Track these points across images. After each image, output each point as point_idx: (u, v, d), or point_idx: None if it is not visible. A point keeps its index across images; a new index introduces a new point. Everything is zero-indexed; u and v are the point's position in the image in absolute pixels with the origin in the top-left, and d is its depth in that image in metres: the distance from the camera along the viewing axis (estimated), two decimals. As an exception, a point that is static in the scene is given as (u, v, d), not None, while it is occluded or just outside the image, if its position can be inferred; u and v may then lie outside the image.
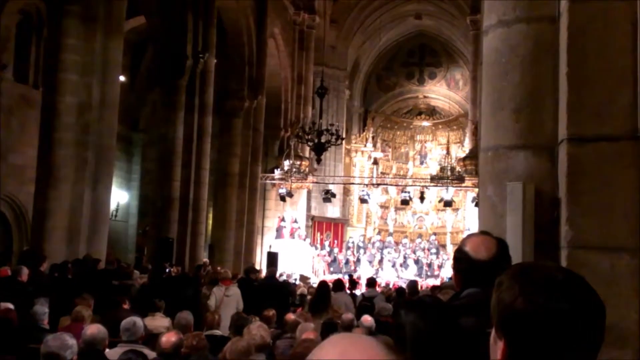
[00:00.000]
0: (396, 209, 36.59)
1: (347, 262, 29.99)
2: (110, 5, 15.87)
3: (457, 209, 35.06)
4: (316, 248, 30.33)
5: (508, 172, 4.12)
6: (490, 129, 4.35)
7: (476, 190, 24.48)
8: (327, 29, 31.88)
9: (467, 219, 33.86)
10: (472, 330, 2.14)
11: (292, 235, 28.69)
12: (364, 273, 26.82)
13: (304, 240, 29.09)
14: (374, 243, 31.87)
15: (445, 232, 35.62)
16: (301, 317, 7.91)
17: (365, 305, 10.40)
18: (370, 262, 29.77)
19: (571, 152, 3.60)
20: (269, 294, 12.05)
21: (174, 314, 7.84)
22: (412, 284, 12.93)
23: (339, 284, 11.52)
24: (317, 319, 8.14)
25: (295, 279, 22.60)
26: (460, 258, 2.49)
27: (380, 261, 29.89)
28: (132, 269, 14.35)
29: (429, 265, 29.93)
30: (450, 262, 27.58)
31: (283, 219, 28.77)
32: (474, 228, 21.75)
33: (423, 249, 31.35)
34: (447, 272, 27.02)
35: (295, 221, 29.40)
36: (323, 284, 10.28)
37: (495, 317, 1.46)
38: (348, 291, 13.80)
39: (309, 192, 31.87)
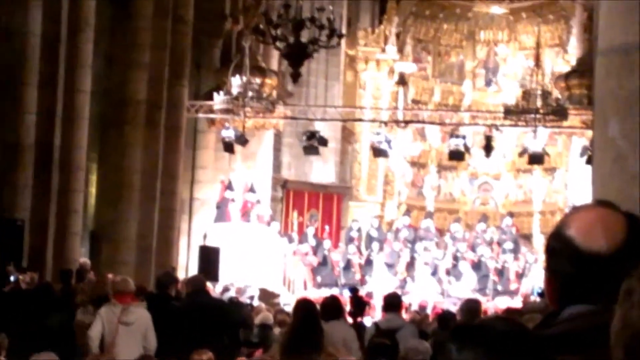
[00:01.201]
0: (440, 168, 36.67)
1: (347, 265, 30.12)
2: None
3: (553, 169, 35.19)
4: (291, 240, 30.41)
5: (649, 95, 4.13)
6: (616, 17, 4.36)
7: (589, 133, 24.56)
8: None
9: (571, 187, 34.01)
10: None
11: (245, 215, 28.77)
12: (379, 286, 27.01)
13: (268, 225, 29.20)
14: (397, 232, 32.02)
15: (530, 211, 35.80)
16: (263, 364, 7.97)
17: (380, 343, 10.50)
18: (390, 266, 29.93)
19: None
20: (203, 322, 12.16)
21: (27, 358, 7.92)
22: (470, 306, 13.01)
23: (333, 306, 11.61)
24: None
25: (252, 297, 22.74)
26: (560, 250, 2.49)
27: (410, 264, 30.08)
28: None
29: (500, 272, 30.12)
30: (540, 264, 27.98)
31: (229, 186, 28.80)
32: (585, 200, 21.65)
33: (490, 243, 31.55)
34: (533, 284, 27.23)
35: (252, 189, 29.43)
36: (305, 305, 10.32)
37: (618, 349, 1.49)
38: (350, 319, 13.88)
39: (277, 137, 31.86)
